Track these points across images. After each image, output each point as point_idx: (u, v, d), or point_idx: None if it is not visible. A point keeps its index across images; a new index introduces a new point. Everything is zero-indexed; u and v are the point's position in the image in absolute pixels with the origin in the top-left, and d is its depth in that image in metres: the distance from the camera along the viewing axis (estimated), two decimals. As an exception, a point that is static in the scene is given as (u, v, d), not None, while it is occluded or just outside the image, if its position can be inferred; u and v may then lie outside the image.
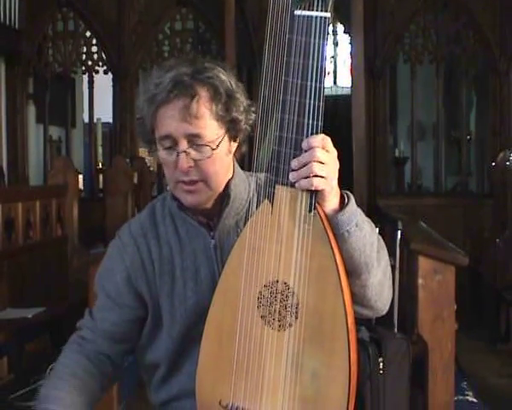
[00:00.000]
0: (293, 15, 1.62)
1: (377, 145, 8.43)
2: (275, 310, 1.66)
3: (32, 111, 9.25)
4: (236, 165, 1.98)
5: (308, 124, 1.61)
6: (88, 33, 8.98)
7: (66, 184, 6.62)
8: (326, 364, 1.63)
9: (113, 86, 8.84)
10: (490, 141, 8.67)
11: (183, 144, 1.81)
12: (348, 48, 7.29)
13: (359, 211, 1.73)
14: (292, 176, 1.62)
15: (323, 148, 1.61)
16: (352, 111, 7.23)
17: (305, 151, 1.61)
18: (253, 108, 1.92)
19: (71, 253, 6.51)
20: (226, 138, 1.87)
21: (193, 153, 1.82)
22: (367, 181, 7.70)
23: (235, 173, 1.95)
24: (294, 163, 1.62)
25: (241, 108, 1.87)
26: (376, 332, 1.95)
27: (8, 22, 7.86)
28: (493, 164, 7.57)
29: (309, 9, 1.60)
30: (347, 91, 9.27)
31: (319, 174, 1.60)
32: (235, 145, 1.92)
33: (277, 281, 1.66)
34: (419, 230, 4.84)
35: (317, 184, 1.61)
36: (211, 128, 1.82)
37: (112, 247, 2.05)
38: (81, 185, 9.11)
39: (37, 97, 9.20)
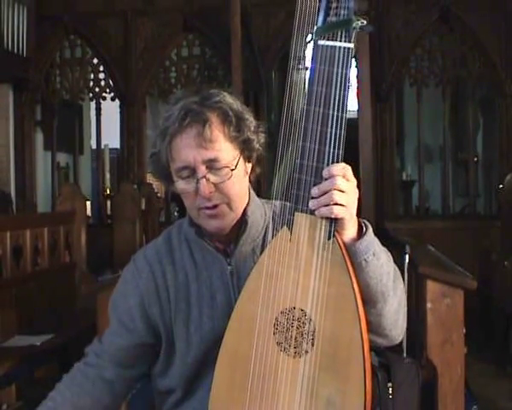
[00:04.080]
0: (316, 45, 1.64)
1: (384, 168, 8.43)
2: (291, 337, 1.66)
3: (39, 138, 9.29)
4: (252, 191, 1.99)
5: (329, 152, 1.63)
6: (95, 60, 9.04)
7: (73, 211, 6.63)
8: (341, 391, 1.62)
9: (121, 112, 8.88)
10: (497, 163, 8.65)
11: (202, 170, 1.82)
12: (354, 71, 7.31)
13: (376, 240, 1.74)
14: (312, 203, 1.63)
15: (344, 176, 1.62)
16: (358, 134, 7.24)
17: (326, 179, 1.62)
18: (261, 129, 1.94)
19: (79, 279, 6.50)
20: (241, 159, 1.88)
21: (212, 178, 1.83)
22: (374, 204, 7.70)
23: (250, 200, 1.96)
24: (315, 191, 1.63)
25: (252, 128, 1.89)
26: (385, 357, 1.94)
27: (16, 50, 7.91)
28: (501, 186, 7.55)
29: (332, 40, 1.63)
30: (354, 115, 9.30)
31: (339, 202, 1.61)
32: (249, 166, 1.94)
33: (294, 308, 1.66)
34: (427, 253, 4.83)
35: (337, 212, 1.62)
36: (226, 150, 1.84)
37: (126, 272, 2.06)
38: (89, 212, 9.12)
39: (44, 124, 9.24)
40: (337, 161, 1.63)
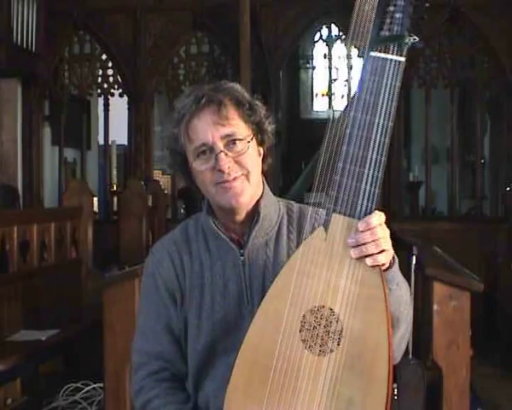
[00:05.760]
0: (368, 56, 1.69)
1: (391, 169, 8.41)
2: (317, 335, 1.67)
3: (47, 133, 9.30)
4: (267, 187, 2.03)
5: (372, 158, 1.67)
6: (104, 56, 9.05)
7: (80, 207, 6.64)
8: (363, 393, 1.63)
9: (129, 109, 8.89)
10: (504, 165, 8.64)
11: (220, 146, 1.87)
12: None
13: (399, 271, 1.80)
14: (354, 253, 1.66)
15: (381, 225, 1.68)
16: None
17: (362, 231, 1.66)
18: (271, 117, 2.01)
19: (85, 275, 6.51)
20: (255, 140, 1.95)
21: (229, 153, 1.88)
22: (381, 205, 7.66)
23: (264, 193, 2.00)
24: (352, 241, 1.66)
25: (263, 113, 1.97)
26: (391, 358, 1.95)
27: (25, 45, 7.91)
28: (508, 188, 7.55)
29: (385, 52, 1.68)
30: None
31: (383, 249, 1.67)
32: (261, 151, 1.99)
33: (323, 306, 1.68)
34: (434, 255, 4.82)
35: (384, 260, 1.68)
36: (242, 127, 1.91)
37: (148, 266, 2.09)
38: (96, 208, 9.13)
39: (52, 119, 9.26)
40: (379, 168, 1.67)
